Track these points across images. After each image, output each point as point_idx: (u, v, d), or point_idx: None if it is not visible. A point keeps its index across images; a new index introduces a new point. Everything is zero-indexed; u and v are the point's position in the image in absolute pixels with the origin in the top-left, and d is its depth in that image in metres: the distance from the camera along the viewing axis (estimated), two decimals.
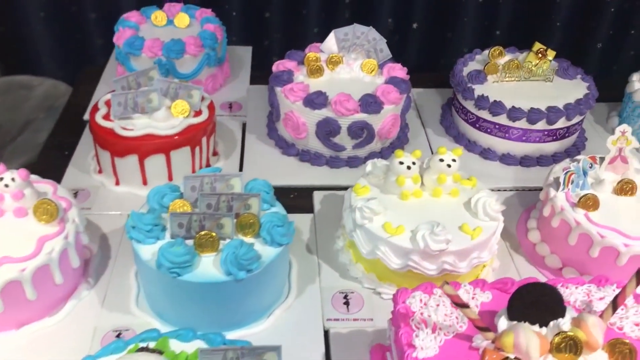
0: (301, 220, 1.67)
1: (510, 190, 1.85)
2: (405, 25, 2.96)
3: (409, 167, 1.48)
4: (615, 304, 1.11)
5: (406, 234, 1.39)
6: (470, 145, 1.98)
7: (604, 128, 2.15)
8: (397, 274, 1.43)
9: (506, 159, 1.93)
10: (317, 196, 1.78)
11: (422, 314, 1.14)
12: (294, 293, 1.46)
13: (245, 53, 2.47)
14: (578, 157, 1.62)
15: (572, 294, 1.21)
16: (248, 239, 1.34)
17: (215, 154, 1.90)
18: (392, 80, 1.89)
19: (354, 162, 1.88)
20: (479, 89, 1.93)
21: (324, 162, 1.88)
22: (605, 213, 1.47)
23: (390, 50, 1.96)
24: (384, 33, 2.70)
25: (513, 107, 1.85)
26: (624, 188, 1.52)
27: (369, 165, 1.58)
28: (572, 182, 1.52)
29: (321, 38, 2.00)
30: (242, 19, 2.83)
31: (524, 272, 1.56)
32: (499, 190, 1.84)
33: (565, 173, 1.53)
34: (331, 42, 1.99)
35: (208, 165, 1.84)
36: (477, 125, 1.95)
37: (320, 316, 1.41)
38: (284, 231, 1.34)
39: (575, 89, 1.95)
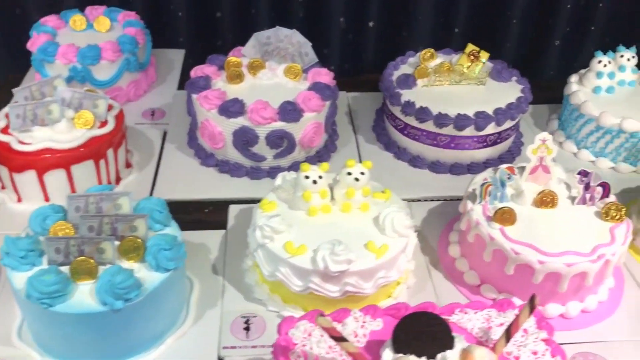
0: (211, 238, 1.58)
1: (438, 200, 1.76)
2: (361, 24, 2.87)
3: (315, 182, 1.39)
4: (508, 334, 1.03)
5: (308, 254, 1.30)
6: (400, 153, 1.90)
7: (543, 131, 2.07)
8: (301, 295, 1.34)
9: (436, 166, 1.85)
10: (233, 210, 1.68)
11: (304, 346, 1.06)
12: (191, 318, 1.37)
13: (176, 56, 2.37)
14: (500, 166, 1.54)
15: (471, 320, 1.13)
16: (131, 265, 1.24)
17: (128, 165, 1.80)
18: (315, 87, 1.79)
19: (276, 173, 1.76)
20: (406, 94, 1.84)
21: (244, 173, 1.79)
22: (522, 227, 1.39)
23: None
24: (337, 32, 2.66)
25: (439, 113, 1.76)
26: (544, 200, 1.44)
27: (278, 179, 1.49)
28: (490, 194, 1.44)
29: None
30: (191, 19, 2.73)
31: (442, 290, 1.48)
32: (425, 200, 1.76)
33: (482, 185, 1.45)
34: (252, 46, 1.89)
35: (118, 179, 1.74)
36: (406, 132, 1.86)
37: (216, 344, 1.32)
38: (172, 255, 1.24)
39: (509, 92, 1.87)
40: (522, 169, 1.51)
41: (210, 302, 1.41)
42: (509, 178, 1.47)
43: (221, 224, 1.64)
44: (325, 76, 1.86)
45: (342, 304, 1.28)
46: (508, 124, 1.81)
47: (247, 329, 1.35)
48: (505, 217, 1.39)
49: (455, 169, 1.84)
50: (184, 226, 1.64)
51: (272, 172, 1.77)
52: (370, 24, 2.81)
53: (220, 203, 1.71)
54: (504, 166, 1.50)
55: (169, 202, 1.36)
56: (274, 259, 1.33)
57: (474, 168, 1.83)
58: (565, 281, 1.33)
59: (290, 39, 1.89)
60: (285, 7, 2.61)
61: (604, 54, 1.96)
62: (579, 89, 1.94)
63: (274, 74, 1.86)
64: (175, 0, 2.61)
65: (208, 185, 1.77)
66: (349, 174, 1.41)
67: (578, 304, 1.41)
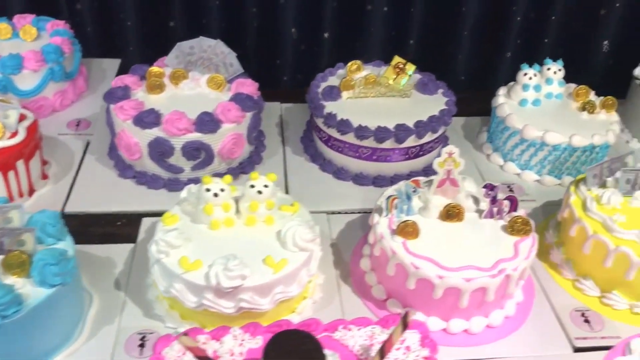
0: (119, 251, 1.55)
1: (359, 212, 1.74)
2: (315, 35, 2.87)
3: (216, 195, 1.37)
4: (382, 352, 1.01)
5: (202, 270, 1.28)
6: (325, 165, 1.88)
7: (473, 145, 2.07)
8: (197, 312, 1.31)
9: (360, 178, 1.83)
10: (145, 223, 1.65)
11: None
12: (85, 335, 1.33)
13: (110, 66, 2.34)
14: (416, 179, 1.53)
15: (353, 337, 1.11)
16: (15, 280, 1.21)
17: (45, 177, 1.76)
18: (236, 97, 1.77)
19: None
20: (330, 106, 1.82)
21: (161, 184, 1.76)
22: (426, 241, 1.37)
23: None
24: (289, 43, 2.64)
25: (360, 125, 1.75)
26: (450, 213, 1.42)
27: (184, 191, 1.47)
28: (396, 207, 1.43)
29: None
30: (140, 29, 2.70)
31: (349, 304, 1.46)
32: (346, 213, 1.74)
33: (388, 198, 1.43)
34: (175, 56, 1.87)
35: (32, 190, 1.70)
36: (330, 144, 1.84)
37: None
38: (58, 270, 1.21)
39: (433, 105, 1.86)
40: (429, 182, 1.49)
41: (108, 318, 1.37)
42: (414, 191, 1.46)
43: (132, 238, 1.61)
44: (249, 87, 1.84)
45: (239, 321, 1.26)
46: (430, 136, 1.80)
47: (142, 345, 1.32)
48: (407, 230, 1.37)
49: (379, 181, 1.83)
50: (95, 239, 1.61)
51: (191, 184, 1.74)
52: (326, 34, 2.80)
53: (134, 216, 1.68)
54: (408, 180, 1.49)
55: (82, 215, 1.33)
56: (168, 275, 1.30)
57: (397, 180, 1.79)
58: (465, 296, 1.31)
59: (214, 49, 1.87)
60: (237, 18, 2.60)
61: (530, 66, 1.96)
62: (505, 101, 1.94)
63: (196, 84, 1.83)
64: (124, 9, 2.59)
65: (124, 198, 1.73)
66: (252, 186, 1.39)
67: (482, 319, 1.39)
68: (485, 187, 1.47)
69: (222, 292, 1.26)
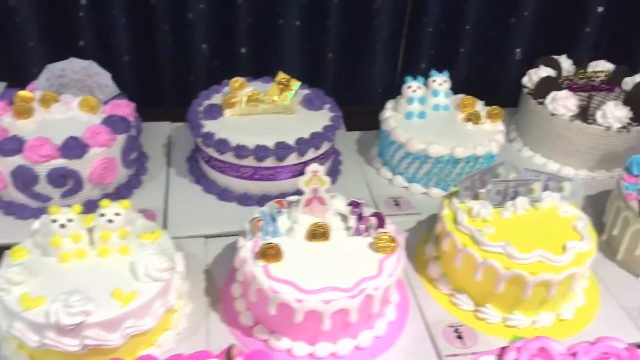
0: None
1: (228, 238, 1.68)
2: (229, 51, 2.82)
3: (63, 225, 1.29)
4: None
5: (44, 307, 1.20)
6: (209, 186, 1.82)
7: (365, 159, 2.05)
8: (44, 351, 1.23)
9: (244, 199, 1.78)
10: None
11: None
12: None
13: None
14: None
15: None
16: None
17: None
18: (108, 120, 1.70)
19: None
20: (209, 125, 1.77)
21: (30, 214, 1.66)
22: (290, 263, 1.33)
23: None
24: (201, 59, 2.55)
25: (238, 144, 1.70)
26: (315, 233, 1.38)
27: (36, 223, 1.39)
28: (261, 229, 1.38)
29: None
30: (47, 50, 2.59)
31: (215, 333, 1.40)
32: (227, 236, 1.68)
33: (251, 220, 1.39)
34: (46, 78, 1.79)
35: None
36: (211, 164, 1.79)
37: None
38: None
39: (318, 121, 1.83)
40: (295, 202, 1.45)
41: None
42: (278, 212, 1.41)
43: None
44: (124, 108, 1.77)
45: (90, 358, 1.19)
46: (313, 153, 1.77)
47: None
48: (269, 253, 1.32)
49: (265, 200, 1.74)
50: None
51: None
52: (243, 50, 2.74)
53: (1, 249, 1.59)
54: (272, 201, 1.45)
55: None
56: (9, 313, 1.21)
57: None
58: (326, 319, 1.27)
59: (87, 71, 1.80)
60: (149, 35, 2.51)
61: (414, 79, 1.96)
62: (392, 115, 1.93)
63: (68, 107, 1.75)
64: (25, 30, 2.48)
65: None
66: (102, 215, 1.32)
67: (350, 341, 1.36)
68: (350, 204, 1.44)
69: (64, 330, 1.18)
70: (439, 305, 1.51)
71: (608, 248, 1.71)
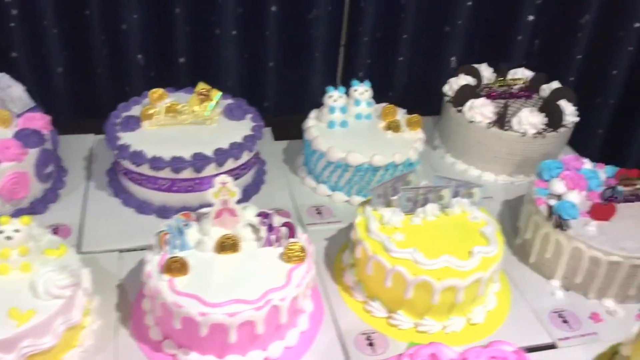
0: None
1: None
2: (167, 60, 2.79)
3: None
4: None
5: None
6: (128, 199, 1.80)
7: (290, 167, 2.06)
8: None
9: (163, 212, 1.76)
10: None
11: None
12: None
13: None
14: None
15: None
16: None
17: None
18: (19, 134, 1.66)
19: None
20: (126, 137, 1.75)
21: None
22: (196, 277, 1.32)
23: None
24: (136, 69, 2.51)
25: (154, 156, 1.69)
26: (224, 245, 1.38)
27: None
28: (168, 243, 1.37)
29: None
30: None
31: (124, 348, 1.37)
32: (142, 250, 1.65)
33: (158, 234, 1.38)
34: None
35: None
36: (129, 177, 1.77)
37: None
38: None
39: (238, 131, 1.83)
40: (203, 214, 1.45)
41: None
42: (185, 225, 1.41)
43: None
44: (38, 121, 1.74)
45: None
46: (233, 163, 1.76)
47: None
48: (174, 267, 1.31)
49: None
50: None
51: None
52: (182, 59, 2.71)
53: None
54: (179, 214, 1.44)
55: None
56: None
57: None
58: (232, 332, 1.27)
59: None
60: (83, 46, 2.46)
61: (335, 88, 1.97)
62: (315, 124, 1.94)
63: None
64: None
65: None
66: (1, 232, 1.29)
67: (260, 353, 1.35)
68: (259, 215, 1.44)
69: None
70: (353, 313, 1.52)
71: (522, 252, 1.75)
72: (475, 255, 1.43)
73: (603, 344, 1.45)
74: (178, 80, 2.84)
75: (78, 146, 2.05)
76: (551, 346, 1.49)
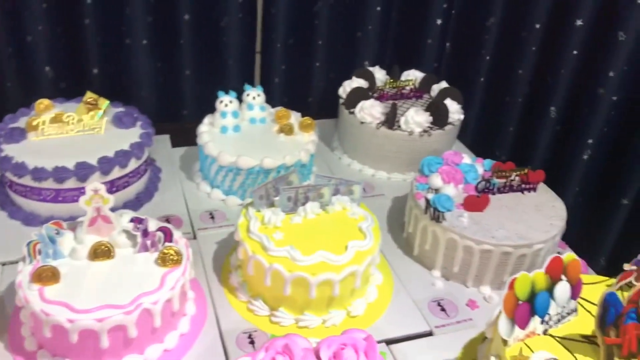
0: None
1: None
2: (75, 72, 2.74)
3: None
4: None
5: None
6: (14, 211, 1.77)
7: (187, 174, 2.07)
8: None
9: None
10: None
11: None
12: None
13: None
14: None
15: None
16: None
17: None
18: None
19: None
20: (10, 149, 1.73)
21: None
22: (68, 285, 1.31)
23: None
24: (45, 81, 2.45)
25: (36, 167, 1.67)
26: (98, 252, 1.38)
27: None
28: (40, 252, 1.36)
29: None
30: None
31: None
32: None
33: (29, 244, 1.37)
34: None
35: None
36: (14, 189, 1.75)
37: None
38: None
39: (127, 139, 1.83)
40: (76, 223, 1.45)
41: None
42: (57, 233, 1.40)
43: None
44: None
45: None
46: (119, 171, 1.76)
47: None
48: (44, 276, 1.30)
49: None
50: None
51: None
52: (95, 70, 2.67)
53: None
54: (49, 223, 1.43)
55: None
56: None
57: None
58: (103, 337, 1.27)
59: None
60: None
61: (226, 93, 2.00)
62: (207, 129, 1.97)
63: None
64: None
65: None
66: None
67: (137, 357, 1.36)
68: (132, 220, 1.45)
69: None
70: (236, 313, 1.54)
71: (407, 245, 1.82)
72: (350, 250, 1.48)
73: (478, 329, 1.53)
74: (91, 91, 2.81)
75: None
76: (429, 334, 1.55)
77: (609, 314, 1.18)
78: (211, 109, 2.77)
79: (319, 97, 2.89)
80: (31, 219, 1.75)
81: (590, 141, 2.39)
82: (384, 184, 2.11)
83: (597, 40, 2.27)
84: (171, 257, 1.39)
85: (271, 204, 1.61)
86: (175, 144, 2.25)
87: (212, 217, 1.87)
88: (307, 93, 2.91)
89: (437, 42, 2.66)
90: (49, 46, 2.43)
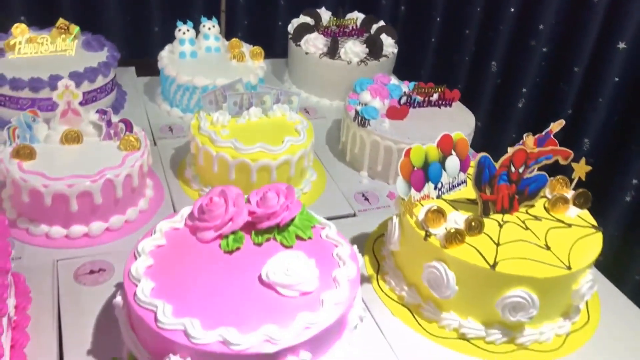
0: None
1: None
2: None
3: None
4: None
5: None
6: None
7: (150, 98, 2.32)
8: None
9: None
10: None
11: None
12: None
13: None
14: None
15: None
16: None
17: None
18: None
19: None
20: None
21: None
22: (43, 161, 1.57)
23: None
24: None
25: (14, 77, 1.91)
26: (68, 137, 1.64)
27: None
28: (18, 136, 1.60)
29: None
30: None
31: None
32: None
33: (8, 128, 1.61)
34: None
35: None
36: None
37: None
38: None
39: (95, 59, 2.07)
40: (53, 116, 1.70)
41: None
42: (34, 120, 1.65)
43: None
44: None
45: None
46: (88, 86, 2.01)
47: None
48: (22, 152, 1.55)
49: None
50: None
51: None
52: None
53: None
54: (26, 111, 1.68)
55: None
56: None
57: None
58: (73, 201, 1.53)
59: None
60: None
61: (184, 23, 2.25)
62: (167, 55, 2.22)
63: None
64: None
65: None
66: None
67: (102, 224, 1.62)
68: (97, 112, 1.70)
69: None
70: (188, 197, 1.81)
71: (341, 154, 2.10)
72: (286, 143, 1.75)
73: (393, 213, 1.82)
74: None
75: None
76: (353, 215, 1.84)
77: (484, 174, 1.47)
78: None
79: (276, 38, 3.11)
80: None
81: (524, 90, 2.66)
82: (326, 109, 2.38)
83: None
84: (131, 143, 1.65)
85: (219, 109, 1.87)
86: (139, 75, 2.49)
87: (171, 130, 2.12)
88: (266, 33, 3.13)
89: (392, 3, 2.93)
90: None
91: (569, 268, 1.35)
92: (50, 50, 2.06)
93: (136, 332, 1.19)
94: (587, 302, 1.55)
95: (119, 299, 1.23)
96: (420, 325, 1.45)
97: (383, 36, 2.39)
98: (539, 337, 1.43)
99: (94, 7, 2.82)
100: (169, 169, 1.93)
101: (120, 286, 1.30)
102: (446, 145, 1.54)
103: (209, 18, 2.31)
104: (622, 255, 2.37)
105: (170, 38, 2.50)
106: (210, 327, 1.10)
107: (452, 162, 1.56)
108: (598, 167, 1.75)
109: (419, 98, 2.05)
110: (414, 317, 1.47)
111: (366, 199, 1.90)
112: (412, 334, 1.44)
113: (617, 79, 2.29)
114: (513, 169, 1.49)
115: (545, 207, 1.55)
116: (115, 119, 1.69)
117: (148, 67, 2.49)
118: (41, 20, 2.74)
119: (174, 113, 2.20)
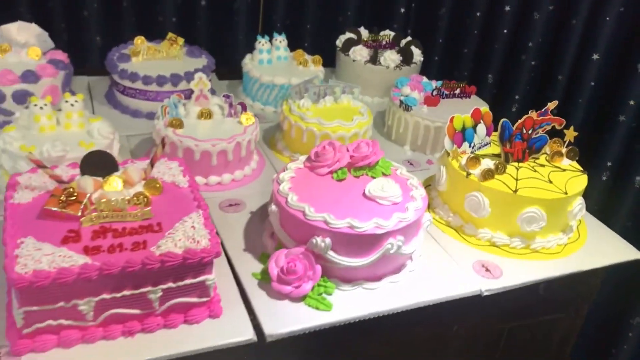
0: None
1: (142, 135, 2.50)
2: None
3: (41, 108, 2.05)
4: (152, 162, 1.79)
5: (36, 151, 1.95)
6: (124, 109, 2.62)
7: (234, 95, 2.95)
8: None
9: (150, 116, 2.59)
10: None
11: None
12: None
13: None
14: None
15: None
16: None
17: None
18: (51, 61, 2.45)
19: None
20: (123, 65, 2.59)
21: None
22: (188, 129, 2.18)
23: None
24: None
25: (145, 75, 2.53)
26: (203, 113, 2.26)
27: (17, 113, 2.12)
28: (168, 113, 2.22)
29: None
30: None
31: None
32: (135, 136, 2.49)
33: (161, 107, 2.23)
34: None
35: None
36: (126, 93, 2.59)
37: None
38: None
39: (197, 64, 2.71)
40: (189, 96, 2.32)
41: None
42: (179, 102, 2.27)
43: None
44: (60, 55, 2.53)
45: None
46: None
47: None
48: (174, 123, 2.17)
49: None
50: None
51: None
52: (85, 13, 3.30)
53: None
54: (175, 94, 2.30)
55: None
56: (12, 157, 1.94)
57: None
58: (213, 157, 2.14)
59: (33, 30, 2.53)
60: None
61: (263, 37, 2.89)
62: (249, 61, 2.86)
63: (19, 55, 2.47)
64: None
65: None
66: (67, 101, 2.09)
67: (229, 175, 2.23)
68: (223, 96, 2.32)
69: (51, 161, 1.94)
70: (281, 161, 2.43)
71: (387, 134, 2.74)
72: (355, 120, 2.39)
73: (433, 173, 2.45)
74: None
75: (78, 84, 2.83)
76: None
77: (505, 134, 2.12)
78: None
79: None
80: (136, 114, 2.60)
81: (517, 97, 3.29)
82: (368, 104, 3.01)
83: None
84: (248, 118, 2.27)
85: (302, 98, 2.50)
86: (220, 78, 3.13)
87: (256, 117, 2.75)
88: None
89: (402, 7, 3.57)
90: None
91: (566, 193, 1.99)
92: (164, 56, 2.69)
93: (285, 228, 1.80)
94: (578, 227, 2.20)
95: (273, 207, 1.84)
96: (464, 238, 2.08)
97: (412, 47, 3.06)
98: (546, 244, 2.06)
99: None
100: (264, 144, 2.56)
101: (254, 213, 2.00)
102: (476, 116, 2.19)
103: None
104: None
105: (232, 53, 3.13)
106: (340, 218, 1.72)
107: (481, 128, 2.20)
108: (580, 147, 2.39)
109: (446, 91, 2.70)
110: (459, 233, 2.10)
111: (411, 164, 2.53)
112: (458, 243, 2.07)
113: (592, 84, 2.92)
114: (524, 131, 2.14)
115: (546, 159, 2.19)
116: (234, 102, 2.32)
117: (224, 73, 3.13)
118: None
119: (256, 106, 2.83)
